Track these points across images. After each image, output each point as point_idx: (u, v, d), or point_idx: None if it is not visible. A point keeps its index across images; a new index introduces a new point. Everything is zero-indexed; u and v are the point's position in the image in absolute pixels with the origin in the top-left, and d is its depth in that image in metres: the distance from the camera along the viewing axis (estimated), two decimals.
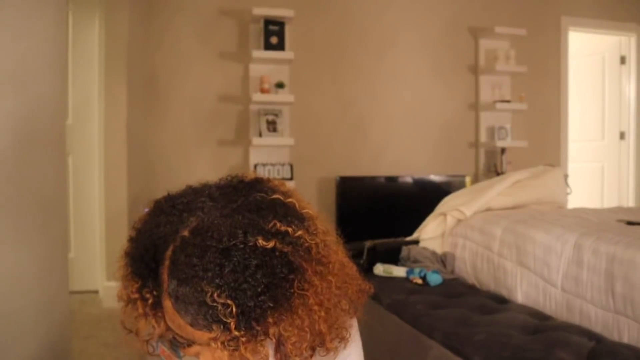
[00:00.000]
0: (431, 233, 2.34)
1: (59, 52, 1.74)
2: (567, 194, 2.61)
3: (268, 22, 3.57)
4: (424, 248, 2.28)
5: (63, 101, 1.84)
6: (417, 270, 2.03)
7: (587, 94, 4.79)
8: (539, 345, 1.31)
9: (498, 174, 3.96)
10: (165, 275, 0.63)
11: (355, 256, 2.14)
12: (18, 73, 1.42)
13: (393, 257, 2.24)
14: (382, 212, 3.72)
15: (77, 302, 2.92)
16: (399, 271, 2.10)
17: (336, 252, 0.72)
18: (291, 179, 3.57)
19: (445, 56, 4.16)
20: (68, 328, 1.88)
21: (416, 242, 2.35)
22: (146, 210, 0.71)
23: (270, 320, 0.63)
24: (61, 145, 1.79)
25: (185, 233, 0.64)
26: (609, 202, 4.57)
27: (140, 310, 0.67)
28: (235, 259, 0.60)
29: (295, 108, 3.74)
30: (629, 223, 1.87)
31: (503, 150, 4.09)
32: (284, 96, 3.58)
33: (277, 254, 0.62)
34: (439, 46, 4.15)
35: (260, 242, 0.62)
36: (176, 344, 0.68)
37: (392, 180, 3.92)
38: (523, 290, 1.82)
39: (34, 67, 1.53)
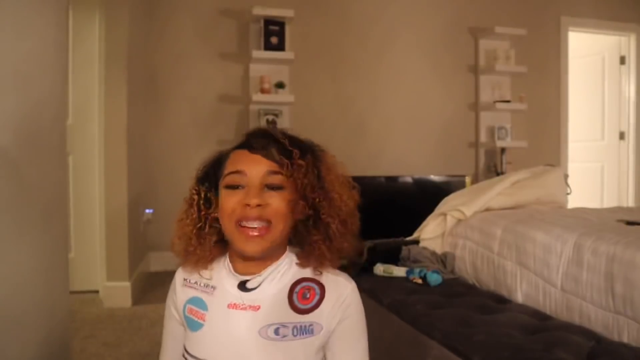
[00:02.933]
0: (431, 233, 2.34)
1: (59, 52, 1.74)
2: (567, 194, 2.61)
3: (268, 22, 3.57)
4: (424, 248, 2.28)
5: (63, 101, 1.84)
6: (417, 270, 2.03)
7: (587, 94, 4.79)
8: (539, 345, 1.31)
9: (498, 174, 3.96)
10: (231, 152, 0.93)
11: (355, 256, 2.15)
12: (18, 73, 1.42)
13: (393, 257, 2.24)
14: (382, 212, 3.71)
15: (77, 302, 2.92)
16: (399, 271, 2.10)
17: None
18: None
19: (445, 56, 4.16)
20: (68, 328, 1.88)
21: (416, 242, 2.35)
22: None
23: (309, 156, 0.91)
24: (61, 145, 1.79)
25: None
26: (609, 202, 4.57)
27: (194, 206, 0.90)
28: (283, 132, 0.94)
29: (295, 108, 3.74)
30: (629, 223, 1.87)
31: (503, 150, 4.09)
32: (284, 96, 3.58)
33: (309, 142, 0.97)
34: (439, 46, 4.15)
35: (299, 137, 0.96)
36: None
37: (391, 180, 3.92)
38: (523, 290, 1.82)
39: (34, 67, 1.54)
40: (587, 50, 4.78)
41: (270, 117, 3.61)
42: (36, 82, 1.55)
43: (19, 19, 1.42)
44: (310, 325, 0.86)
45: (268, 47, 3.56)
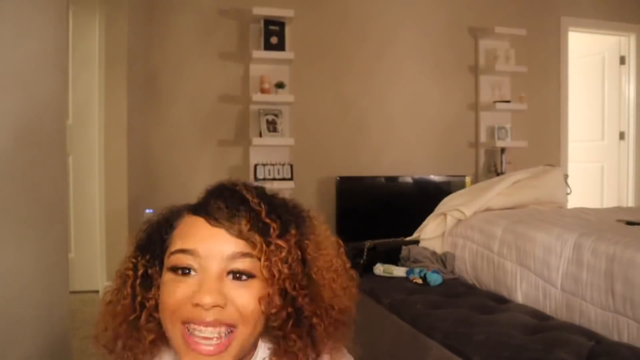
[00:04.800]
0: (431, 233, 2.34)
1: (59, 52, 1.74)
2: (567, 194, 2.62)
3: (268, 22, 3.57)
4: (424, 248, 2.28)
5: (63, 101, 1.84)
6: (417, 270, 2.03)
7: (587, 94, 4.79)
8: (539, 345, 1.31)
9: (498, 174, 3.96)
10: (184, 213, 0.68)
11: (356, 256, 2.15)
12: (19, 73, 1.42)
13: (393, 257, 2.24)
14: (382, 212, 3.72)
15: (77, 302, 2.92)
16: (399, 271, 2.10)
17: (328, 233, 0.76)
18: (291, 179, 3.57)
19: (445, 56, 4.16)
20: (68, 328, 1.88)
21: (416, 242, 2.35)
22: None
23: (292, 231, 0.66)
24: (62, 145, 1.79)
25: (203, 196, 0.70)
26: (609, 202, 4.57)
27: (128, 288, 0.66)
28: (260, 193, 0.69)
29: (295, 108, 3.74)
30: (629, 223, 1.87)
31: (503, 150, 4.09)
32: (284, 96, 3.58)
33: (290, 204, 0.71)
34: (439, 46, 4.15)
35: (279, 195, 0.72)
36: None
37: (392, 180, 3.92)
38: (523, 290, 1.82)
39: (34, 68, 1.54)
40: (587, 50, 4.78)
41: (270, 117, 3.61)
42: (36, 82, 1.55)
43: (19, 19, 1.42)
44: None
45: (268, 47, 3.56)
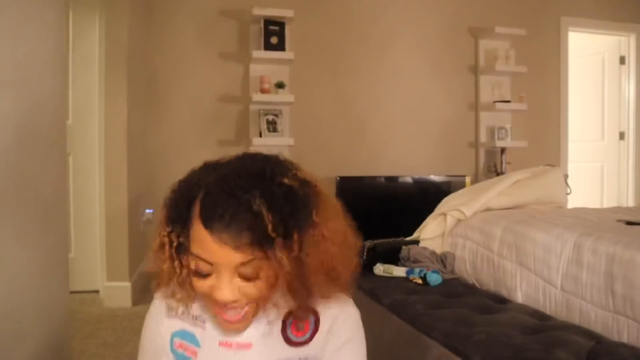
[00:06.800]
0: (431, 233, 2.34)
1: (59, 52, 1.74)
2: (567, 194, 2.62)
3: (268, 22, 3.57)
4: (424, 248, 2.28)
5: (63, 101, 1.84)
6: (417, 270, 2.03)
7: (587, 94, 4.79)
8: (538, 345, 1.31)
9: (498, 174, 3.96)
10: (197, 205, 0.72)
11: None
12: (18, 73, 1.42)
13: (393, 257, 2.24)
14: (382, 212, 3.72)
15: (77, 302, 2.92)
16: (399, 271, 2.10)
17: (336, 206, 0.82)
18: None
19: (445, 56, 4.16)
20: (68, 328, 1.88)
21: (416, 242, 2.35)
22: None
23: (295, 237, 0.71)
24: (61, 145, 1.79)
25: (218, 174, 0.74)
26: (609, 202, 4.57)
27: (167, 254, 0.76)
28: (265, 186, 0.71)
29: (295, 108, 3.74)
30: (629, 223, 1.87)
31: (503, 150, 4.09)
32: (284, 96, 3.58)
33: (298, 191, 0.74)
34: (439, 46, 4.15)
35: (286, 180, 0.74)
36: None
37: (391, 180, 3.92)
38: (523, 290, 1.82)
39: (34, 68, 1.53)
40: (587, 50, 4.78)
41: (270, 117, 3.61)
42: (36, 82, 1.55)
43: (19, 19, 1.42)
44: (307, 359, 0.80)
45: (268, 47, 3.56)
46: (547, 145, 4.41)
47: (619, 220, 1.95)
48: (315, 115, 3.87)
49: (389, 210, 3.72)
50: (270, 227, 0.69)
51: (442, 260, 2.21)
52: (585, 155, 4.77)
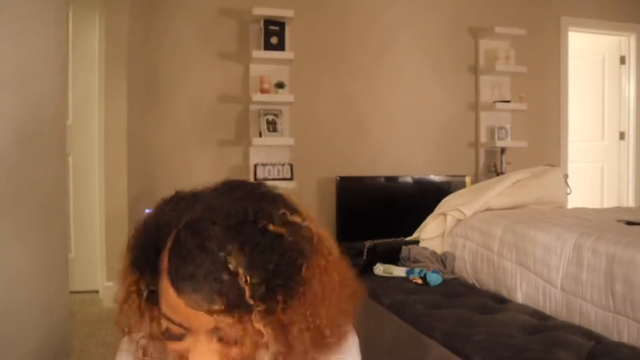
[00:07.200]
0: (431, 233, 2.34)
1: (59, 52, 1.74)
2: (567, 194, 2.62)
3: (268, 22, 3.57)
4: (424, 248, 2.28)
5: (63, 101, 1.84)
6: (417, 270, 2.03)
7: (587, 94, 4.79)
8: (539, 345, 1.31)
9: (498, 174, 3.96)
10: (165, 256, 0.61)
11: (355, 256, 2.15)
12: (18, 73, 1.42)
13: (393, 257, 2.24)
14: (382, 212, 3.72)
15: (77, 302, 2.92)
16: (399, 271, 2.10)
17: (332, 251, 0.71)
18: (291, 179, 3.57)
19: (445, 56, 4.16)
20: (68, 328, 1.88)
21: (416, 242, 2.35)
22: (147, 211, 0.71)
23: (279, 298, 0.61)
24: (61, 145, 1.79)
25: (191, 216, 0.62)
26: (609, 202, 4.57)
27: (135, 305, 0.66)
28: (245, 236, 0.60)
29: (295, 108, 3.74)
30: (629, 223, 1.87)
31: (503, 150, 4.09)
32: (284, 96, 3.58)
33: (286, 239, 0.62)
34: (439, 46, 4.15)
35: (271, 227, 0.61)
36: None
37: (392, 180, 3.92)
38: (523, 290, 1.82)
39: (34, 68, 1.53)
40: (587, 50, 4.78)
41: (270, 117, 3.61)
42: (36, 82, 1.55)
43: (19, 20, 1.42)
44: None
45: (268, 47, 3.56)
46: (547, 145, 4.41)
47: (619, 220, 1.95)
48: (315, 115, 3.87)
49: (389, 210, 3.72)
50: (247, 293, 0.58)
51: (442, 260, 2.21)
52: (585, 155, 4.77)
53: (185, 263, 0.58)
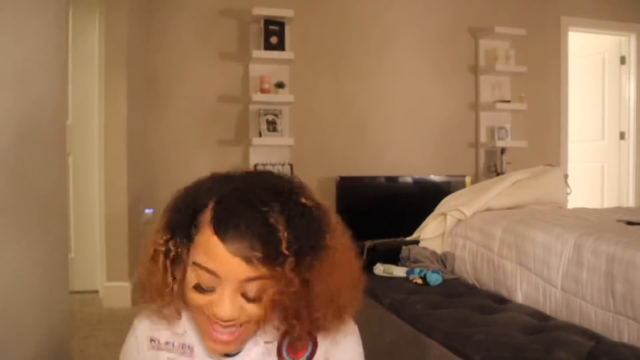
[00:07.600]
0: (431, 233, 2.34)
1: (59, 52, 1.74)
2: (567, 194, 2.61)
3: (268, 22, 3.57)
4: (424, 248, 2.28)
5: (63, 101, 1.84)
6: (417, 270, 2.03)
7: (587, 94, 4.79)
8: (539, 345, 1.31)
9: (498, 174, 3.96)
10: (209, 211, 0.68)
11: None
12: (18, 73, 1.42)
13: (393, 257, 2.24)
14: (382, 212, 3.72)
15: (77, 302, 2.92)
16: (399, 271, 2.10)
17: (345, 232, 0.81)
18: None
19: (445, 56, 4.16)
20: (68, 328, 1.88)
21: (416, 242, 2.35)
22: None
23: (307, 258, 0.68)
24: (61, 145, 1.79)
25: (232, 185, 0.71)
26: (609, 202, 4.57)
27: (160, 265, 0.71)
28: (283, 200, 0.69)
29: (295, 108, 3.74)
30: (629, 223, 1.86)
31: (503, 150, 4.09)
32: (284, 96, 3.58)
33: (315, 211, 0.72)
34: (439, 46, 4.15)
35: (303, 199, 0.72)
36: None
37: (392, 180, 3.92)
38: (523, 290, 1.82)
39: (34, 67, 1.53)
40: (587, 50, 4.78)
41: (270, 117, 3.61)
42: (35, 82, 1.55)
43: (19, 19, 1.42)
44: None
45: (268, 47, 3.56)
46: (547, 145, 4.41)
47: (619, 221, 1.94)
48: (315, 115, 3.87)
49: (389, 210, 3.72)
50: (284, 244, 0.65)
51: (442, 260, 2.21)
52: (585, 155, 4.77)
53: (230, 215, 0.66)
